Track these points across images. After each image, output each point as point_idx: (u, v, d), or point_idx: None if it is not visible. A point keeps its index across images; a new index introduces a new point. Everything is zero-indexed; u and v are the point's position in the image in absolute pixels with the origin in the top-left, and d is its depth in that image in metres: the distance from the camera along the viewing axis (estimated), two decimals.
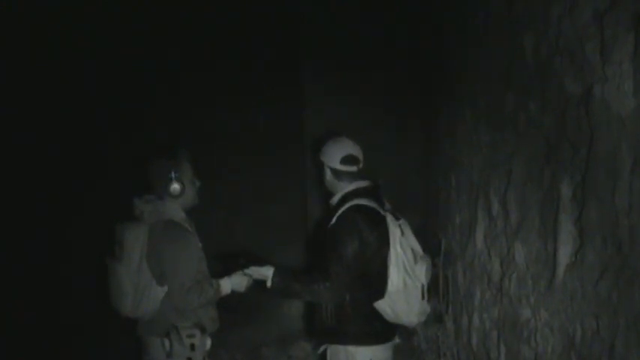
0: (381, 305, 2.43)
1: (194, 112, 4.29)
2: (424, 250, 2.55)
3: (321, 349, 2.65)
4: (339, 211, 2.47)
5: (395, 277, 2.40)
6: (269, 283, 2.46)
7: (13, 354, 3.60)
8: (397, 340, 2.61)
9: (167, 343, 2.44)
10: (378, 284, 2.41)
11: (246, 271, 2.54)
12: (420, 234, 2.55)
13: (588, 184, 1.90)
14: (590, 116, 1.87)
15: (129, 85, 4.01)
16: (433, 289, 3.51)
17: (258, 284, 2.55)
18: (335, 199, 2.58)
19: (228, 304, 2.70)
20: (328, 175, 2.60)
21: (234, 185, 4.40)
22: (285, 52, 4.48)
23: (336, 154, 2.55)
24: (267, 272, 2.47)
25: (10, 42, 3.57)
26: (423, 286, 2.45)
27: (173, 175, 2.46)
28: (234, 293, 2.62)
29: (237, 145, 4.45)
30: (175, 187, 2.46)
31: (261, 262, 2.51)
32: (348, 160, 2.53)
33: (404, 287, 2.41)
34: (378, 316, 2.47)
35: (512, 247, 2.64)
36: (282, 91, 4.48)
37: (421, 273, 2.45)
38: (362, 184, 2.56)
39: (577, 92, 1.95)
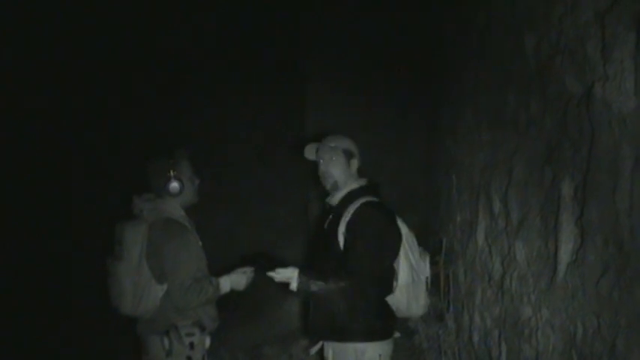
0: (392, 300, 2.45)
1: (194, 112, 4.28)
2: (419, 244, 2.59)
3: (317, 347, 2.63)
4: (352, 208, 2.43)
5: (404, 272, 2.43)
6: (294, 284, 2.38)
7: (12, 353, 3.60)
8: (397, 334, 2.61)
9: (167, 341, 2.44)
10: (388, 279, 2.42)
11: (271, 273, 2.45)
12: (421, 232, 2.56)
13: (589, 183, 1.90)
14: (591, 115, 1.86)
15: (129, 84, 4.01)
16: (434, 288, 3.53)
17: (275, 285, 2.50)
18: (339, 196, 2.55)
19: (228, 303, 2.69)
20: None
21: (235, 185, 4.40)
22: (287, 52, 4.47)
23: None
24: (292, 274, 2.40)
25: (10, 41, 3.58)
26: (427, 278, 2.51)
27: (172, 173, 2.46)
28: (233, 292, 2.61)
29: (238, 145, 4.44)
30: (174, 185, 2.46)
31: (283, 264, 2.45)
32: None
33: (412, 281, 2.46)
34: (386, 310, 2.48)
35: (514, 245, 2.64)
36: (284, 90, 4.47)
37: (425, 266, 2.51)
38: (363, 181, 2.56)
39: (578, 91, 1.95)
